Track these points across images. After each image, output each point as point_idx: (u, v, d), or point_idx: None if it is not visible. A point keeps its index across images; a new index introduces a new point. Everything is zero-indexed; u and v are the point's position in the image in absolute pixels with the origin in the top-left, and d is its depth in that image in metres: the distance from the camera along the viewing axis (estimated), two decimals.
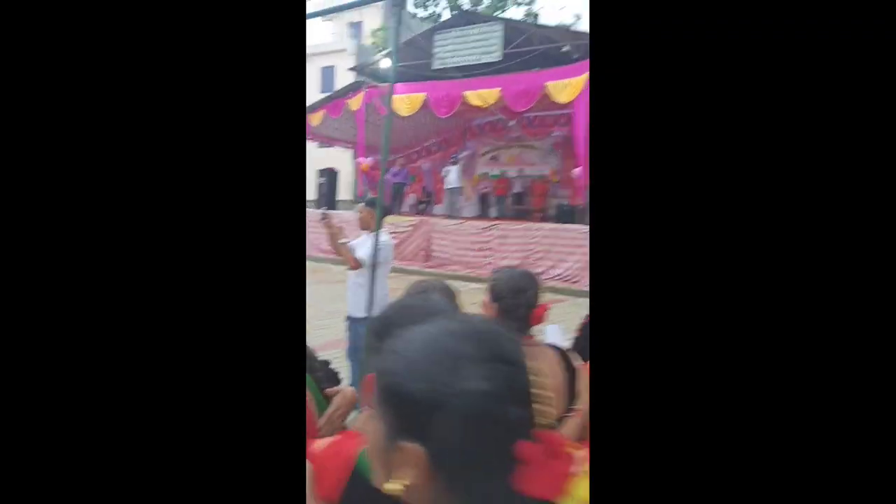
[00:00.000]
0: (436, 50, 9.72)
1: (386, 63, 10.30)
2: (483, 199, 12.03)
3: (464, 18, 10.20)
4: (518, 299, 1.34)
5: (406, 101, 9.51)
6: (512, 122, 11.54)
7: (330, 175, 17.98)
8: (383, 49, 10.51)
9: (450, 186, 10.99)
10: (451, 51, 9.61)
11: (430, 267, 9.11)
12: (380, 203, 2.46)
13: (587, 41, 8.41)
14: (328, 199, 16.86)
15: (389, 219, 9.67)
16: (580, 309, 2.36)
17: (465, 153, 12.64)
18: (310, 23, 1.74)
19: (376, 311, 0.82)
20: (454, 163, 11.21)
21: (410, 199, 12.94)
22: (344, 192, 16.55)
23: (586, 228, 8.08)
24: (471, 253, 9.20)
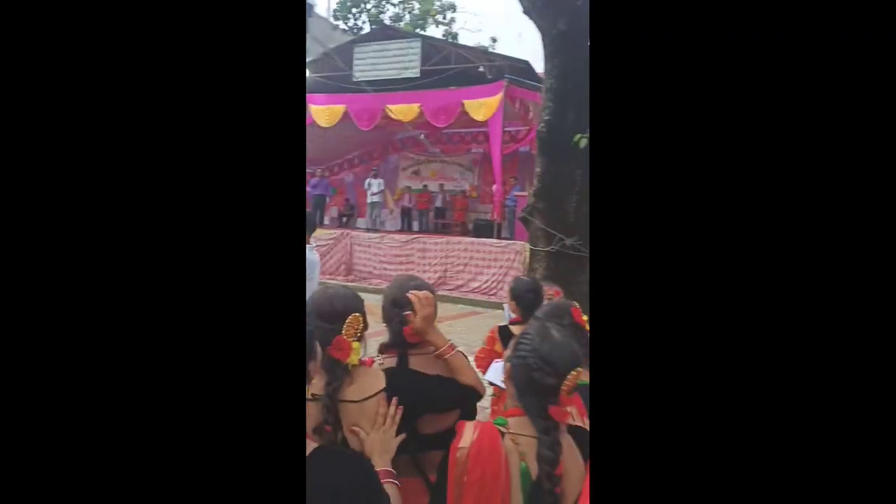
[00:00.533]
0: (356, 63, 9.69)
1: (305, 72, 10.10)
2: (405, 213, 12.09)
3: (383, 33, 10.28)
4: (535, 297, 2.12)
5: (326, 113, 9.38)
6: (423, 138, 11.74)
7: None
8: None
9: (371, 200, 10.93)
10: (371, 64, 9.63)
11: (352, 280, 8.98)
12: (311, 220, 2.43)
13: (502, 63, 8.81)
14: None
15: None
16: (497, 321, 2.45)
17: (387, 166, 12.66)
18: None
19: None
20: (375, 175, 11.18)
21: (332, 211, 12.71)
22: None
23: (503, 242, 8.37)
24: (392, 266, 9.18)
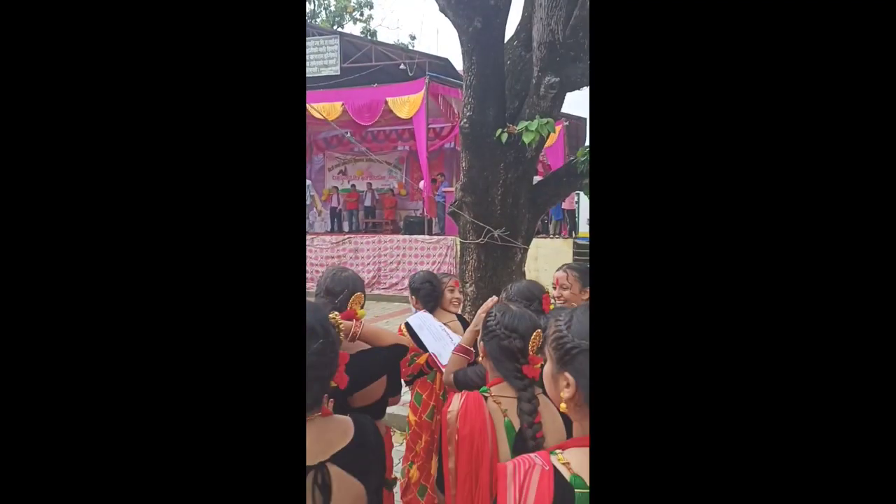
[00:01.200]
0: None
1: None
2: (334, 214, 11.85)
3: None
4: (431, 287, 2.34)
5: None
6: (349, 136, 11.59)
7: None
8: None
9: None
10: None
11: None
12: None
13: (422, 60, 8.85)
14: None
15: None
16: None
17: (312, 167, 12.31)
18: None
19: None
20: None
21: None
22: None
23: (435, 238, 8.45)
24: (324, 269, 8.98)
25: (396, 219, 11.48)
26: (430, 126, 9.04)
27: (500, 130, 3.05)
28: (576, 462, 0.78)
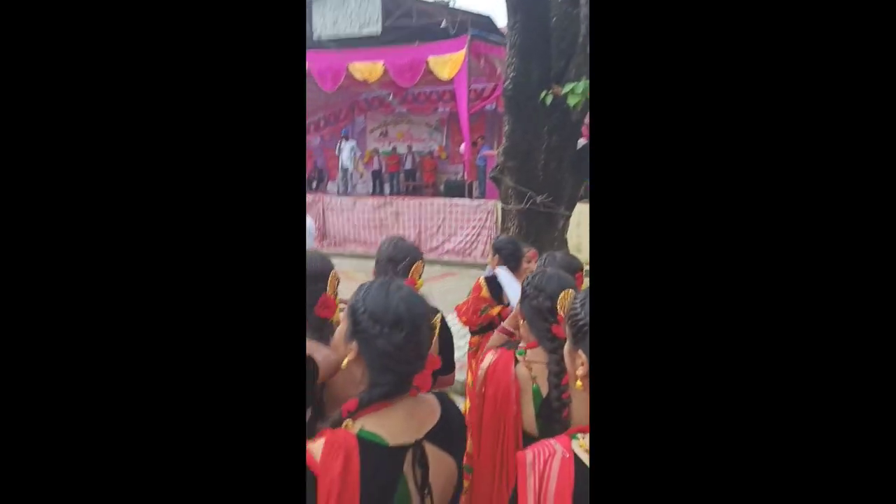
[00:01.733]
0: (315, 20, 9.27)
1: None
2: (376, 176, 11.94)
3: None
4: (514, 248, 2.31)
5: None
6: (391, 98, 11.47)
7: None
8: None
9: (343, 165, 10.73)
10: (331, 21, 9.23)
11: (327, 246, 8.93)
12: None
13: (464, 17, 8.57)
14: None
15: None
16: (473, 280, 2.54)
17: (353, 128, 12.37)
18: None
19: None
20: (346, 138, 10.92)
21: None
22: None
23: (476, 202, 8.41)
24: (366, 231, 9.15)
25: (437, 182, 11.45)
26: (472, 87, 8.84)
27: (544, 92, 2.96)
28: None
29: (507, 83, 3.17)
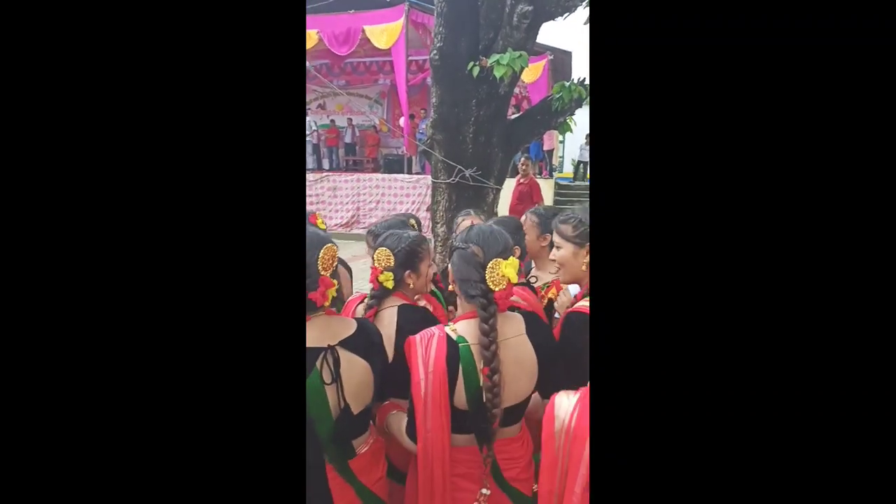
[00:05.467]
0: None
1: None
2: (315, 150, 11.52)
3: None
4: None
5: None
6: (312, 69, 11.05)
7: None
8: None
9: None
10: None
11: None
12: None
13: None
14: None
15: None
16: None
17: None
18: None
19: None
20: None
21: None
22: None
23: (414, 177, 8.32)
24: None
25: (378, 157, 11.22)
26: (412, 58, 8.63)
27: (471, 64, 2.90)
28: (461, 328, 1.19)
29: (433, 53, 3.08)
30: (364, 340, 1.18)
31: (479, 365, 1.15)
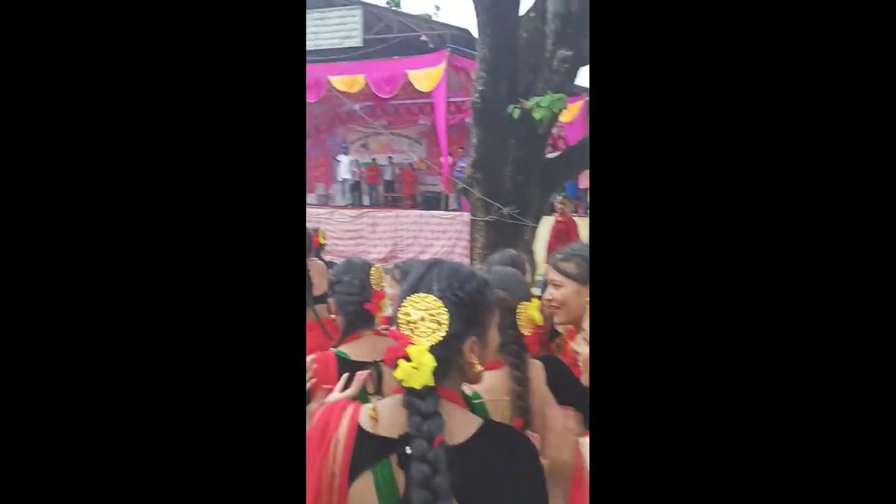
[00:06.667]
0: None
1: None
2: (354, 188, 11.91)
3: (322, 0, 9.87)
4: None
5: None
6: (359, 110, 11.52)
7: None
8: None
9: (342, 177, 10.76)
10: (312, 33, 9.26)
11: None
12: None
13: (444, 32, 8.69)
14: None
15: None
16: None
17: (334, 140, 12.36)
18: None
19: None
20: (346, 153, 10.95)
21: None
22: None
23: (451, 214, 8.43)
24: (342, 242, 9.09)
25: (415, 193, 11.46)
26: (451, 100, 8.92)
27: (511, 106, 3.00)
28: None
29: (475, 96, 3.20)
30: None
31: (507, 419, 1.02)
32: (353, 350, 1.26)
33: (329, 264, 2.18)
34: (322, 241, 1.82)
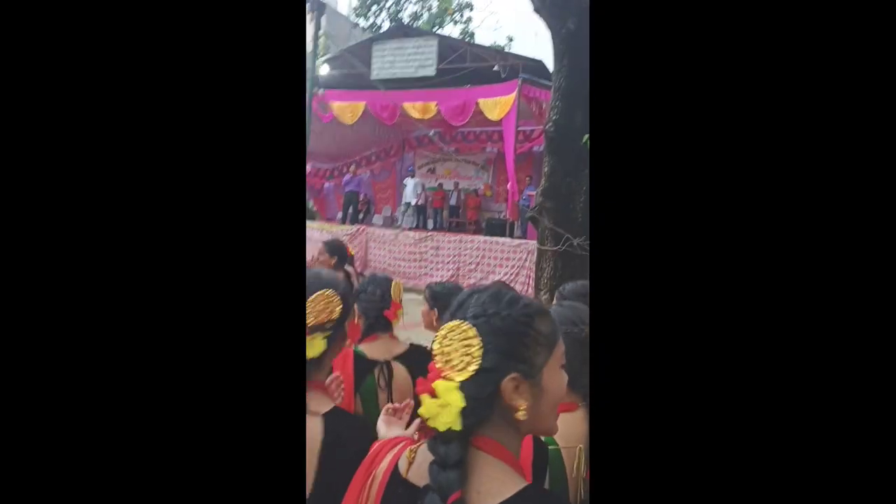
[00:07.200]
0: (374, 60, 9.77)
1: (325, 69, 10.22)
2: (420, 211, 12.17)
3: (401, 31, 10.33)
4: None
5: (349, 110, 9.50)
6: (433, 135, 11.77)
7: None
8: (324, 55, 10.46)
9: (407, 200, 11.09)
10: (389, 62, 9.70)
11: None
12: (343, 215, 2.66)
13: (516, 62, 8.79)
14: None
15: (323, 226, 9.56)
16: None
17: (402, 164, 12.75)
18: None
19: None
20: (412, 175, 11.29)
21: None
22: None
23: (515, 242, 8.36)
24: (405, 263, 9.25)
25: (479, 219, 11.51)
26: (520, 128, 8.95)
27: (586, 137, 2.95)
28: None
29: (548, 125, 3.18)
30: (416, 356, 1.49)
31: (582, 472, 0.91)
32: (370, 349, 1.46)
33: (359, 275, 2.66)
34: (351, 252, 2.32)
